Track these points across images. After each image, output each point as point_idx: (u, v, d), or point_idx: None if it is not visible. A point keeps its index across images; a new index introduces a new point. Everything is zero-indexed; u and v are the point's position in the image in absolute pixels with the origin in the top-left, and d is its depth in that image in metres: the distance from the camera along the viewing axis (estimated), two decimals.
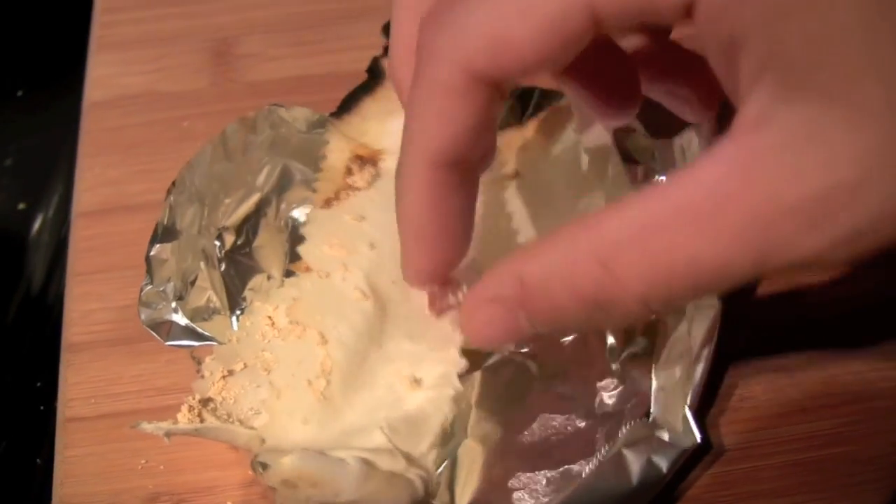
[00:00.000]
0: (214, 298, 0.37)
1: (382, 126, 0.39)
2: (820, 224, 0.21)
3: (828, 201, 0.20)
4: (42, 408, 0.42)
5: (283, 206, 0.39)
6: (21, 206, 0.50)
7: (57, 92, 0.55)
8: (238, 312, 0.36)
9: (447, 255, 0.29)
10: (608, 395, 0.35)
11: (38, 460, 0.41)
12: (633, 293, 0.23)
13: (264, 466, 0.30)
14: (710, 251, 0.22)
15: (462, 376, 0.34)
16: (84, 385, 0.38)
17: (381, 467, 0.29)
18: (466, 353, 0.34)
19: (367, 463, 0.28)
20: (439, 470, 0.32)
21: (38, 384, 0.43)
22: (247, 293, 0.37)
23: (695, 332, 0.34)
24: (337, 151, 0.38)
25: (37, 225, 0.49)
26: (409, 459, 0.30)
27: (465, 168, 0.28)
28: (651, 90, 0.33)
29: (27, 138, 0.54)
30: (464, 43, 0.25)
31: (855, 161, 0.20)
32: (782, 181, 0.21)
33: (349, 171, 0.37)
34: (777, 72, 0.21)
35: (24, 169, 0.53)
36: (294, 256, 0.36)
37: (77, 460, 0.36)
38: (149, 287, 0.36)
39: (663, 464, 0.32)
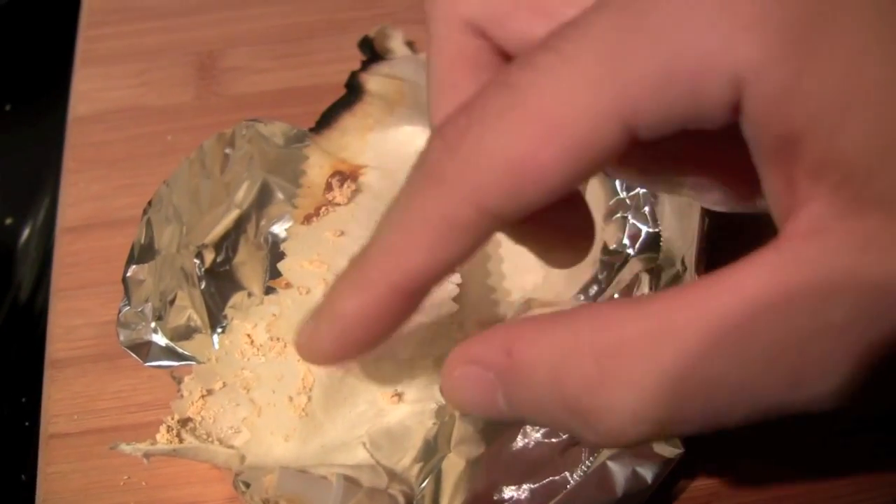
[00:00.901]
0: (195, 317, 0.37)
1: (362, 141, 0.39)
2: (867, 351, 0.18)
3: (879, 325, 0.18)
4: (27, 424, 0.42)
5: (262, 221, 0.39)
6: (8, 220, 0.50)
7: (44, 106, 0.55)
8: (219, 330, 0.36)
9: (354, 353, 0.26)
10: None
11: (22, 476, 0.41)
12: (625, 405, 0.20)
13: (246, 485, 0.30)
14: (733, 371, 0.19)
15: None
16: (67, 401, 0.38)
17: (364, 483, 0.29)
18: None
19: (349, 480, 0.28)
20: (422, 485, 0.32)
21: (23, 400, 0.43)
22: (227, 311, 0.37)
23: None
24: (316, 167, 0.38)
25: (24, 238, 0.50)
26: (392, 475, 0.30)
27: (426, 291, 0.25)
28: (673, 183, 0.28)
29: (14, 153, 0.54)
30: (478, 174, 0.21)
31: None
32: (828, 299, 0.18)
33: (329, 187, 0.37)
34: (834, 179, 0.18)
35: (12, 183, 0.53)
36: (274, 273, 0.36)
37: (59, 477, 0.36)
38: (127, 308, 0.36)
39: (648, 475, 0.32)
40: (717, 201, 0.27)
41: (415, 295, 0.24)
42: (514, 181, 0.21)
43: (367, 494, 0.29)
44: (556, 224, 0.26)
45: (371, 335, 0.25)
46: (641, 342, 0.19)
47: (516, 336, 0.22)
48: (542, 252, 0.28)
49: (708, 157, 0.26)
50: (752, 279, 0.19)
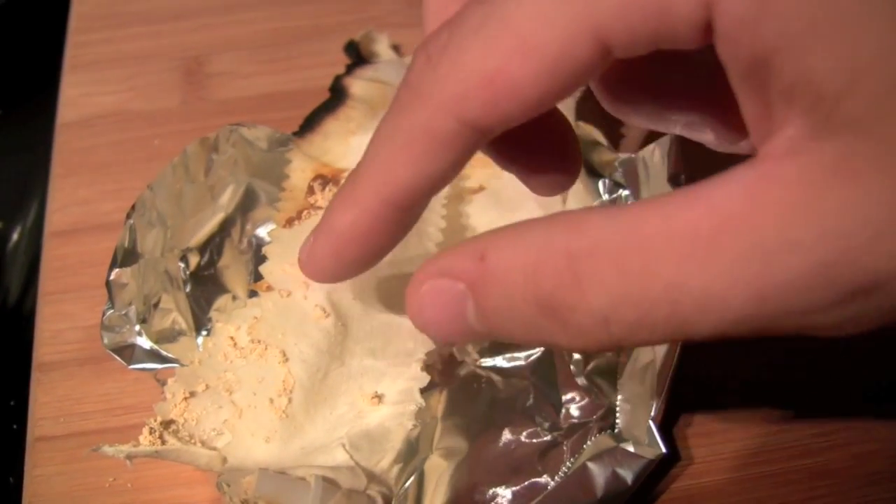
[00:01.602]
0: (180, 320, 0.37)
1: (344, 145, 0.39)
2: (831, 269, 0.18)
3: (845, 244, 0.18)
4: (15, 426, 0.42)
5: (247, 225, 0.39)
6: None
7: (32, 111, 0.55)
8: (204, 333, 0.36)
9: (354, 270, 0.28)
10: (574, 407, 0.35)
11: (10, 479, 0.41)
12: (594, 306, 0.20)
13: (228, 485, 0.30)
14: (697, 278, 0.19)
15: (427, 391, 0.34)
16: (53, 404, 0.38)
17: (342, 485, 0.29)
18: (429, 368, 0.34)
19: (327, 481, 0.28)
20: (405, 486, 0.32)
21: (12, 403, 0.43)
22: (212, 314, 0.37)
23: (659, 344, 0.34)
24: (299, 171, 0.38)
25: (12, 242, 0.50)
26: (371, 476, 0.30)
27: (417, 205, 0.26)
28: (667, 121, 0.29)
29: (3, 157, 0.55)
30: (456, 86, 0.22)
31: (882, 205, 0.18)
32: (796, 215, 0.18)
33: (311, 191, 0.37)
34: (806, 101, 0.18)
35: (1, 187, 0.53)
36: (259, 276, 0.36)
37: (45, 479, 0.36)
38: (111, 311, 0.36)
39: (628, 476, 0.32)
40: (710, 141, 0.28)
41: (406, 209, 0.25)
42: (490, 93, 0.22)
43: (346, 495, 0.29)
44: (541, 148, 0.27)
45: (367, 250, 0.26)
46: (612, 247, 0.20)
47: (490, 242, 0.22)
48: (528, 178, 0.29)
49: (698, 93, 0.27)
50: (722, 192, 0.19)
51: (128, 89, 0.50)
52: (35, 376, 0.39)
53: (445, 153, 0.23)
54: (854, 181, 0.18)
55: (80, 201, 0.45)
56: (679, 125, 0.28)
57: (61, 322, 0.41)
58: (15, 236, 0.50)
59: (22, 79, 0.59)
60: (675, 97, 0.27)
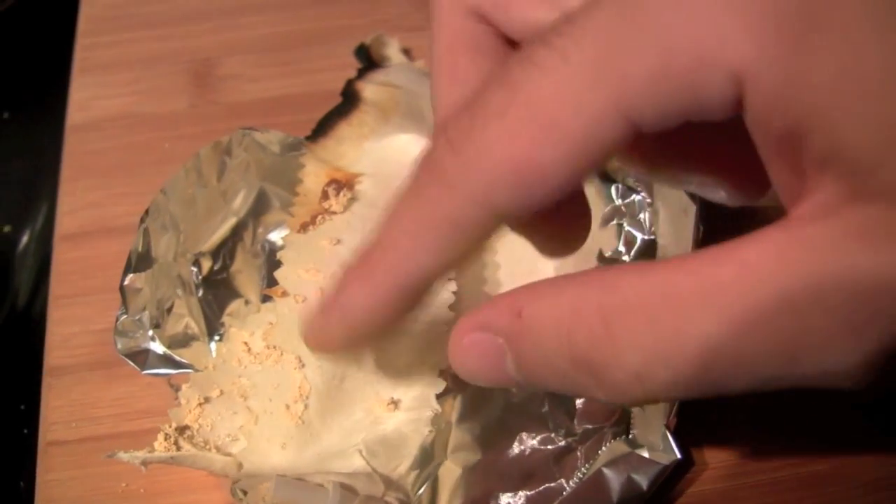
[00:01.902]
0: (192, 325, 0.37)
1: (358, 150, 0.39)
2: (862, 327, 0.18)
3: (874, 308, 0.18)
4: (25, 431, 0.42)
5: (259, 229, 0.39)
6: (6, 228, 0.51)
7: (41, 114, 0.56)
8: (216, 338, 0.36)
9: (360, 343, 0.29)
10: (587, 412, 0.35)
11: (21, 483, 0.41)
12: (627, 363, 0.20)
13: (244, 492, 0.30)
14: (729, 336, 0.19)
15: (441, 396, 0.34)
16: (65, 409, 0.38)
17: (360, 491, 0.29)
18: (444, 373, 0.34)
19: (345, 487, 0.29)
20: (419, 492, 0.33)
21: (22, 407, 0.43)
22: (225, 318, 0.37)
23: None
24: (312, 175, 0.38)
25: (21, 246, 0.50)
26: (388, 482, 0.30)
27: (433, 285, 0.26)
28: (681, 181, 0.29)
29: (12, 160, 0.55)
30: (483, 175, 0.22)
31: None
32: (826, 276, 0.18)
33: (325, 196, 0.37)
34: (839, 169, 0.18)
35: (9, 191, 0.53)
36: (271, 281, 0.36)
37: (58, 484, 0.36)
38: (124, 316, 0.36)
39: (643, 481, 0.32)
40: (723, 199, 0.28)
41: (419, 291, 0.25)
42: (518, 181, 0.21)
43: (364, 502, 0.29)
44: (553, 213, 0.26)
45: (377, 326, 0.26)
46: (644, 306, 0.20)
47: (525, 297, 0.22)
48: (539, 242, 0.29)
49: (714, 153, 0.26)
50: (756, 254, 0.19)
51: (136, 92, 0.50)
52: (46, 381, 0.39)
53: (469, 240, 0.23)
54: (887, 244, 0.18)
55: (90, 205, 0.45)
56: (693, 185, 0.28)
57: (72, 326, 0.41)
58: (24, 240, 0.50)
59: (29, 81, 0.59)
60: (691, 160, 0.27)
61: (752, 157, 0.21)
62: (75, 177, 0.46)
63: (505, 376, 0.23)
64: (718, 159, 0.27)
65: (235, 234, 0.39)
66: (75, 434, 0.38)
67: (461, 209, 0.22)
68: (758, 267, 0.19)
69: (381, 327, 0.26)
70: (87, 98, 0.50)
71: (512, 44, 0.27)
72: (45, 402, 0.39)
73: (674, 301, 0.20)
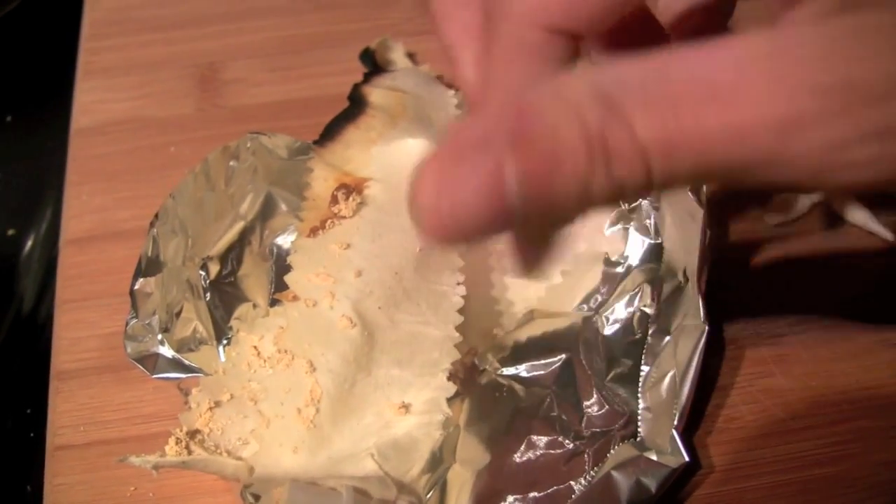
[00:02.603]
0: (201, 328, 0.38)
1: (366, 154, 0.39)
2: (854, 111, 0.20)
3: (866, 91, 0.19)
4: (32, 434, 0.43)
5: (266, 233, 0.39)
6: (11, 232, 0.51)
7: (46, 117, 0.56)
8: (224, 342, 0.37)
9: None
10: (596, 415, 0.35)
11: (28, 487, 0.41)
12: (637, 139, 0.20)
13: (256, 497, 0.30)
14: (723, 116, 0.20)
15: (450, 400, 0.34)
16: (73, 413, 0.39)
17: (373, 495, 0.30)
18: (454, 377, 0.34)
19: (358, 491, 0.29)
20: (429, 495, 0.33)
21: (28, 411, 0.44)
22: (233, 322, 0.38)
23: (680, 353, 0.35)
24: (321, 180, 0.38)
25: (26, 250, 0.50)
26: (400, 486, 0.31)
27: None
28: None
29: (16, 163, 0.55)
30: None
31: None
32: (818, 61, 0.19)
33: (335, 200, 0.37)
34: None
35: (13, 195, 0.54)
36: (279, 285, 0.36)
37: (66, 489, 0.37)
38: (134, 321, 0.37)
39: (652, 484, 0.33)
40: None
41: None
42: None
43: None
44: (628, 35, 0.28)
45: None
46: (641, 84, 0.20)
47: (528, 92, 0.21)
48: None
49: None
50: (746, 42, 0.20)
51: (142, 96, 0.50)
52: (54, 384, 0.40)
53: (541, 65, 0.24)
54: (877, 38, 0.19)
55: (96, 209, 0.46)
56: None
57: (80, 330, 0.41)
58: (29, 244, 0.50)
59: (32, 85, 0.59)
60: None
61: None
62: (81, 181, 0.47)
63: (503, 200, 0.21)
64: None
65: (243, 238, 0.39)
66: (83, 438, 0.38)
67: (522, 32, 0.24)
68: (750, 54, 0.20)
69: None
70: (92, 102, 0.50)
71: None
72: (53, 406, 0.39)
73: (668, 85, 0.20)
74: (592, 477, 0.33)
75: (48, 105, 0.57)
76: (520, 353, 0.37)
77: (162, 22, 0.54)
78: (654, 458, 0.33)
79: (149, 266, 0.37)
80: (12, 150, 0.56)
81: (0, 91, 0.59)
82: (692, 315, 0.35)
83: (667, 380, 0.35)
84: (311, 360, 0.33)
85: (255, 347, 0.34)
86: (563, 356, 0.37)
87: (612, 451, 0.34)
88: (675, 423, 0.33)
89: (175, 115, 0.50)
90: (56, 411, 0.39)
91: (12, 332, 0.47)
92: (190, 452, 0.31)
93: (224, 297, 0.38)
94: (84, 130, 0.49)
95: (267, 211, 0.40)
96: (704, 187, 0.36)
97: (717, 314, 0.38)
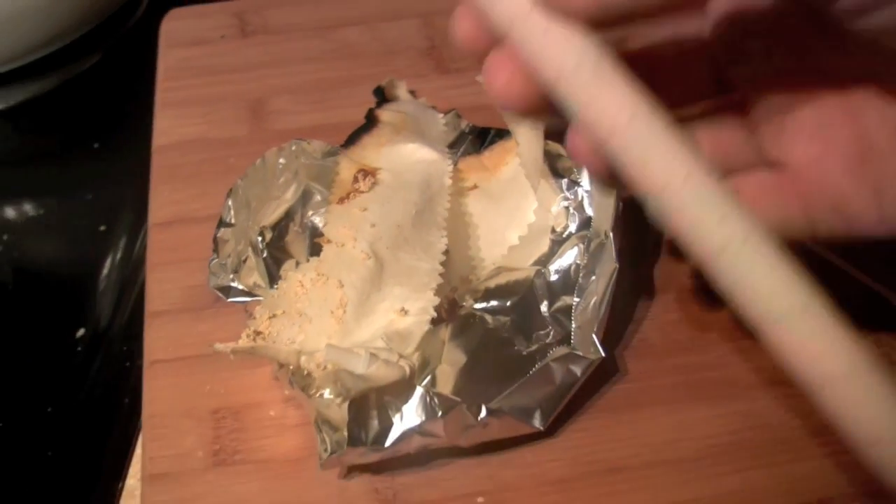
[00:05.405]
0: (258, 279, 0.49)
1: (377, 153, 0.51)
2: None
3: None
4: (128, 364, 0.56)
5: (305, 213, 0.50)
6: (102, 227, 0.63)
7: (123, 144, 0.68)
8: (275, 287, 0.48)
9: None
10: (542, 334, 0.47)
11: (126, 399, 0.54)
12: None
13: (300, 386, 0.43)
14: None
15: (437, 325, 0.46)
16: (163, 339, 0.49)
17: (382, 357, 0.42)
18: (439, 307, 0.46)
19: (372, 354, 0.42)
20: (424, 382, 0.45)
21: (125, 348, 0.56)
22: (282, 272, 0.49)
23: (599, 286, 0.46)
24: (346, 169, 0.50)
25: (118, 240, 0.62)
26: (400, 356, 0.43)
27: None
28: None
29: (102, 180, 0.67)
30: None
31: None
32: None
33: (355, 180, 0.49)
34: None
35: (102, 202, 0.65)
36: (314, 249, 0.47)
37: (159, 390, 0.48)
38: (215, 260, 0.49)
39: (578, 370, 0.44)
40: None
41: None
42: None
43: (384, 363, 0.41)
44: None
45: None
46: None
47: None
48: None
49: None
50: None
51: (206, 122, 0.60)
52: (147, 321, 0.51)
53: None
54: None
55: (175, 202, 0.55)
56: None
57: (165, 283, 0.52)
58: (122, 235, 0.62)
59: (113, 119, 0.71)
60: None
61: None
62: (162, 182, 0.57)
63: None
64: None
65: (288, 215, 0.50)
66: (171, 355, 0.49)
67: None
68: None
69: None
70: (168, 126, 0.60)
71: None
72: (148, 335, 0.50)
73: None
74: (535, 369, 0.46)
75: (125, 135, 0.68)
76: (489, 294, 0.48)
77: (221, 68, 0.63)
78: (579, 353, 0.44)
79: (225, 223, 0.50)
80: (99, 170, 0.67)
81: (88, 124, 0.70)
82: (608, 260, 0.47)
83: (591, 306, 0.46)
84: (339, 280, 0.44)
85: (300, 281, 0.47)
86: (520, 296, 0.48)
87: (550, 352, 0.46)
88: (595, 331, 0.45)
89: (232, 136, 0.58)
90: (150, 338, 0.50)
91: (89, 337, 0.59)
92: (256, 343, 0.44)
93: (275, 255, 0.48)
94: (162, 147, 0.58)
95: (305, 198, 0.50)
96: None
97: (643, 264, 0.50)
